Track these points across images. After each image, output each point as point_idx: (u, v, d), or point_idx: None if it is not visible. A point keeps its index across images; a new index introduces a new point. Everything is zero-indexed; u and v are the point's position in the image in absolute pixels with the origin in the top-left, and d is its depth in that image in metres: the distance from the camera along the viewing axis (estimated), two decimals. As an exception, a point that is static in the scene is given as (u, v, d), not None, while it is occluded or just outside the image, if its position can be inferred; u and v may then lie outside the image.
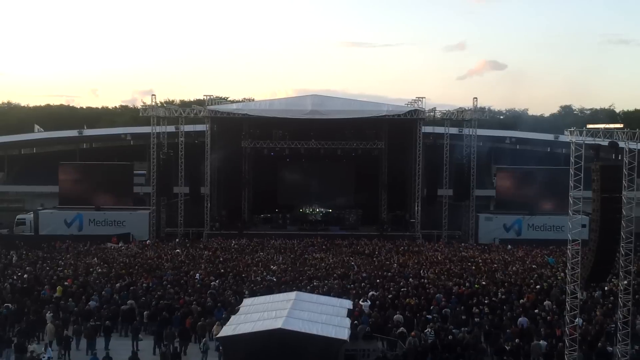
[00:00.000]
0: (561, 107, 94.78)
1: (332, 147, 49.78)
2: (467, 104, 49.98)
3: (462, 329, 22.60)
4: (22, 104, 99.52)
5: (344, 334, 19.45)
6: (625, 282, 19.17)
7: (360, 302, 25.55)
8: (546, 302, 25.83)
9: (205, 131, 48.75)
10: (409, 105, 49.81)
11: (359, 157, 52.07)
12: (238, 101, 62.94)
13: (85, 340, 22.48)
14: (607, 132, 18.89)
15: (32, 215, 49.37)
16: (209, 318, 23.92)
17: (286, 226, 50.01)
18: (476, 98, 48.14)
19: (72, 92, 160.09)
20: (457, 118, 49.58)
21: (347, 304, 23.61)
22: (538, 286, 28.79)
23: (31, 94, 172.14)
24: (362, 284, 29.49)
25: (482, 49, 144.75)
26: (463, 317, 24.30)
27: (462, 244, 45.08)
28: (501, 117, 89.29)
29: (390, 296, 26.86)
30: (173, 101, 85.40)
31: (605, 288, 27.52)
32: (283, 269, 33.29)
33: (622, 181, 18.11)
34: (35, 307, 24.87)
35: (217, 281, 29.70)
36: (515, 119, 79.02)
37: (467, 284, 29.27)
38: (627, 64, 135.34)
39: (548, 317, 23.78)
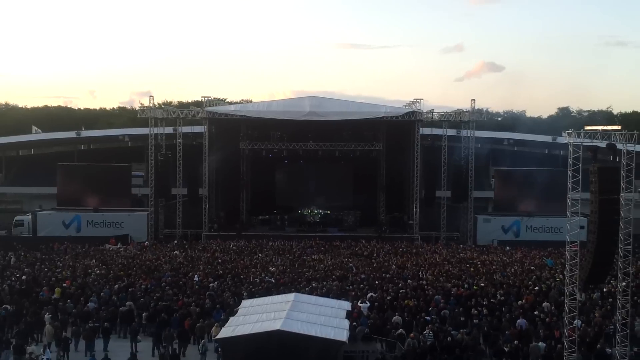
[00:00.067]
0: (559, 108, 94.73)
1: (330, 149, 49.74)
2: (465, 105, 50.38)
3: (461, 330, 22.58)
4: (20, 105, 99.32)
5: (342, 335, 19.48)
6: (624, 283, 19.20)
7: (359, 304, 25.55)
8: (545, 304, 25.87)
9: (203, 132, 48.49)
10: (406, 107, 49.68)
11: (357, 158, 52.04)
12: (236, 102, 62.70)
13: (83, 342, 22.48)
14: (605, 134, 18.93)
15: (30, 216, 49.24)
16: (208, 319, 23.89)
17: (284, 228, 49.95)
18: (474, 100, 48.55)
19: (70, 93, 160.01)
20: (455, 120, 49.64)
21: (346, 305, 23.65)
22: (537, 288, 28.79)
23: (29, 95, 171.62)
24: (361, 285, 29.47)
25: (480, 50, 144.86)
26: (462, 318, 24.33)
27: (461, 246, 45.08)
28: (499, 118, 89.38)
29: (389, 298, 26.85)
30: (171, 102, 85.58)
31: (604, 290, 27.56)
32: (281, 270, 33.25)
33: (620, 183, 18.18)
34: (34, 309, 24.84)
35: (215, 282, 29.67)
36: (513, 121, 78.97)
37: (465, 286, 29.26)
38: (624, 66, 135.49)
39: (547, 319, 23.79)
